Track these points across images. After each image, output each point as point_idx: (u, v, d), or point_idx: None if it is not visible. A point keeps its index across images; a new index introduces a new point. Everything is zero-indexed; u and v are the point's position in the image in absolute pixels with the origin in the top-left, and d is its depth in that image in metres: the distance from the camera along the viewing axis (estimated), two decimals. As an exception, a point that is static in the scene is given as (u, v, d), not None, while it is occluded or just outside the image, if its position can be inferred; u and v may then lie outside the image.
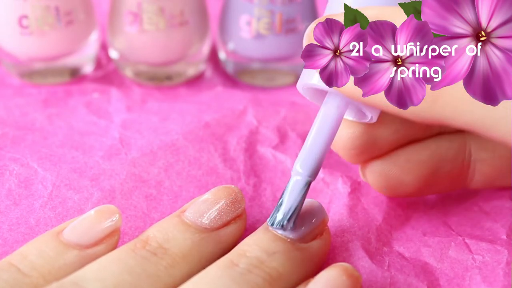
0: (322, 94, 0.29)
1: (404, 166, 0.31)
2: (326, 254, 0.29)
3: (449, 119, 0.24)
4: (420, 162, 0.31)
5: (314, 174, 0.28)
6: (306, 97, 0.29)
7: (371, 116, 0.29)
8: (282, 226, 0.28)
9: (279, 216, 0.28)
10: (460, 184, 0.32)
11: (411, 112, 0.25)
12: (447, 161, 0.31)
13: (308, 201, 0.29)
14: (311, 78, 0.28)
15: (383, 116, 0.29)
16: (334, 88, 0.26)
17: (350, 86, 0.25)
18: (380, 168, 0.31)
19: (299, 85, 0.29)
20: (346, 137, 0.30)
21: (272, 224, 0.28)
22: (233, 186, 0.30)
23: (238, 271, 0.26)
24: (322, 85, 0.27)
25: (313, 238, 0.29)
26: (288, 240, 0.28)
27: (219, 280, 0.25)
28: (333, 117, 0.28)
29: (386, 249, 0.31)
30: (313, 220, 0.29)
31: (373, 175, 0.31)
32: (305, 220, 0.29)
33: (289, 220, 0.28)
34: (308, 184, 0.28)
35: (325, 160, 0.35)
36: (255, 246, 0.27)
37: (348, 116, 0.30)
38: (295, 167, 0.28)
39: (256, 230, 0.29)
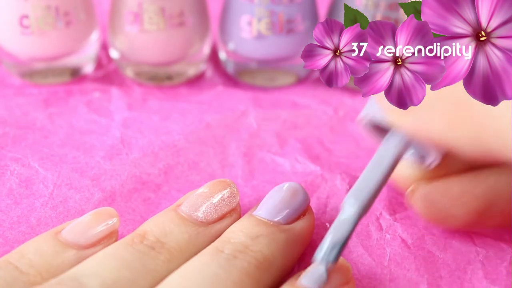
0: (382, 131, 0.29)
1: (456, 199, 0.28)
2: (311, 234, 0.30)
3: (498, 153, 0.23)
4: (474, 197, 0.28)
5: (364, 210, 0.26)
6: (366, 132, 0.29)
7: (431, 161, 0.28)
8: (328, 262, 0.26)
9: (327, 252, 0.26)
10: None
11: (461, 149, 0.24)
12: (503, 198, 0.28)
13: (290, 184, 0.30)
14: (378, 112, 0.28)
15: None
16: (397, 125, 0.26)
17: (415, 123, 0.25)
18: (430, 199, 0.29)
19: (362, 117, 0.29)
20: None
21: (322, 259, 0.26)
22: (228, 179, 0.30)
23: (224, 257, 0.26)
24: (387, 122, 0.27)
25: (296, 219, 0.29)
26: (271, 223, 0.28)
27: (207, 267, 0.26)
28: (392, 156, 0.27)
29: (389, 237, 0.31)
30: (296, 202, 0.29)
31: (422, 203, 0.29)
32: (287, 202, 0.29)
33: (335, 256, 0.26)
34: (358, 219, 0.26)
35: (325, 159, 0.35)
36: (239, 232, 0.28)
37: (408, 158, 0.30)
38: (347, 200, 0.26)
39: (241, 218, 0.29)
